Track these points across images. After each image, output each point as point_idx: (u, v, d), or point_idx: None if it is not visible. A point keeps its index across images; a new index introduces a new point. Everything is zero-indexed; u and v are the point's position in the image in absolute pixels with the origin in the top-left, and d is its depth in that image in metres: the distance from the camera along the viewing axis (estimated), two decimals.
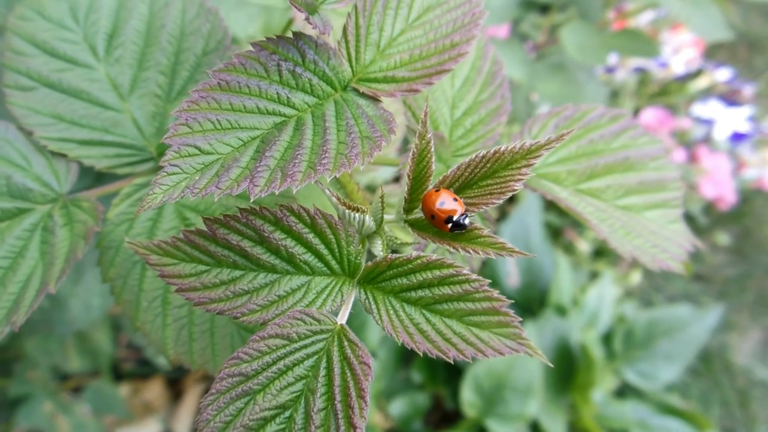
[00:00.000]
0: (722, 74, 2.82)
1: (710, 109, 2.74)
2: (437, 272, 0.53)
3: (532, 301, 2.33)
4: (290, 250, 0.53)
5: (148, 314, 0.65)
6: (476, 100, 0.78)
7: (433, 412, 2.27)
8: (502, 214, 2.55)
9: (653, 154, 0.81)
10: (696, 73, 2.84)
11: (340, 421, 0.48)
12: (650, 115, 2.59)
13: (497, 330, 0.54)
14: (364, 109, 0.57)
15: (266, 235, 0.53)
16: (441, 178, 0.56)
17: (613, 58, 2.68)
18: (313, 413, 0.49)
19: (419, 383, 2.15)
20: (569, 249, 2.66)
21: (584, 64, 2.13)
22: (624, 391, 2.29)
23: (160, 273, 0.53)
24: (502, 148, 0.53)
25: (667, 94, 2.87)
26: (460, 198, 0.55)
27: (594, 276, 2.56)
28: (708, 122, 2.76)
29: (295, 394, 0.50)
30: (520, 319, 0.54)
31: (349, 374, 0.50)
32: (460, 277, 0.53)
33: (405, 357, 2.15)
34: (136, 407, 2.27)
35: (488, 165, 0.54)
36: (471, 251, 0.54)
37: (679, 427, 2.11)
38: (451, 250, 0.55)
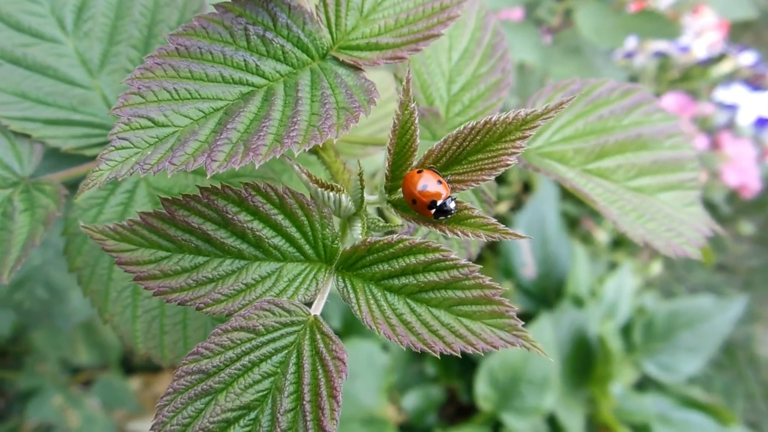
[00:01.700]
0: (746, 58, 2.72)
1: (734, 94, 2.66)
2: (422, 257, 0.48)
3: (548, 293, 2.28)
4: (258, 233, 0.48)
5: (118, 305, 0.61)
6: (475, 73, 0.72)
7: (448, 406, 2.23)
8: (518, 203, 2.49)
9: (668, 132, 0.74)
10: (719, 57, 2.75)
11: (308, 423, 0.43)
12: (671, 100, 2.51)
13: (490, 321, 0.49)
14: (344, 79, 0.52)
15: (230, 217, 0.47)
16: (426, 152, 0.50)
17: (631, 42, 2.61)
18: (279, 415, 0.44)
19: (433, 376, 2.10)
20: (587, 239, 2.59)
21: (601, 48, 2.05)
22: (644, 384, 2.23)
23: (117, 260, 0.48)
24: (493, 118, 0.48)
25: (689, 79, 2.78)
26: (448, 175, 0.50)
27: (613, 267, 2.49)
28: (731, 108, 2.68)
29: (261, 394, 0.45)
30: (516, 308, 0.49)
31: (320, 371, 0.45)
32: (447, 263, 0.48)
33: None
34: (147, 401, 2.24)
35: (478, 137, 0.48)
36: (459, 233, 0.48)
37: (701, 421, 2.04)
38: (439, 233, 0.50)
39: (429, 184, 0.48)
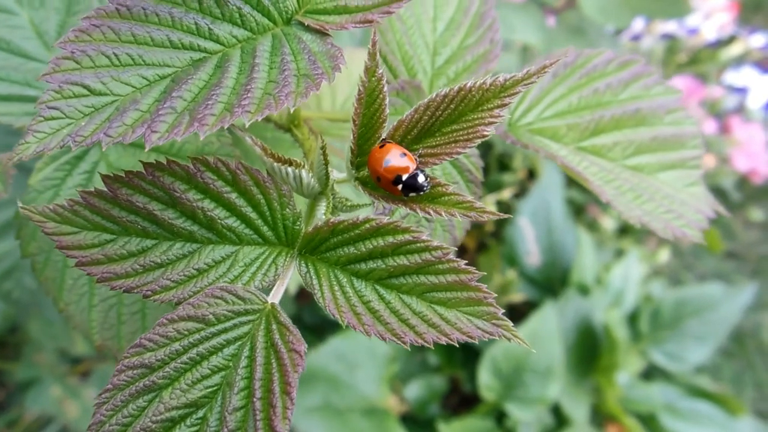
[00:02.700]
0: (757, 40, 2.65)
1: (744, 76, 2.60)
2: (390, 239, 0.43)
3: (553, 281, 2.24)
4: (209, 213, 0.44)
5: (73, 294, 0.57)
6: (461, 45, 0.67)
7: (451, 396, 2.19)
8: (522, 190, 2.44)
9: (669, 106, 0.69)
10: (729, 40, 2.69)
11: (258, 423, 0.38)
12: (679, 84, 2.44)
13: (466, 309, 0.44)
14: (308, 45, 0.47)
15: (178, 195, 0.43)
16: (395, 124, 0.45)
17: (638, 24, 2.55)
18: (227, 413, 0.39)
19: (435, 366, 2.07)
20: (593, 226, 2.54)
21: (606, 30, 2.00)
22: (651, 374, 2.20)
23: (58, 244, 0.44)
24: (468, 84, 0.43)
25: (698, 62, 2.71)
26: (420, 148, 0.45)
27: (619, 254, 2.44)
28: (741, 91, 2.62)
29: (210, 390, 0.41)
30: (494, 294, 0.44)
31: (274, 365, 0.40)
32: (418, 245, 0.43)
33: None
34: None
35: (452, 106, 0.44)
36: (432, 212, 0.44)
37: (709, 411, 2.01)
38: (413, 213, 0.46)
39: (392, 158, 0.44)
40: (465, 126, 0.44)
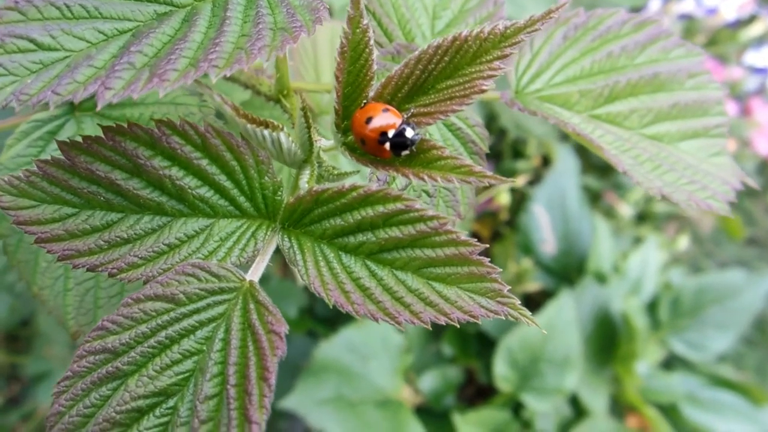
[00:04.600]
0: None
1: (765, 57, 2.52)
2: (380, 208, 0.39)
3: (569, 269, 2.19)
4: (178, 182, 0.39)
5: (47, 277, 0.52)
6: (463, 8, 0.62)
7: (467, 387, 2.15)
8: (536, 177, 2.39)
9: (691, 70, 0.64)
10: (749, 20, 2.62)
11: (231, 412, 0.34)
12: None
13: (467, 285, 0.40)
14: None
15: (142, 162, 0.39)
16: (383, 81, 0.41)
17: (655, 4, 2.48)
18: (198, 402, 0.35)
19: (450, 356, 2.03)
20: (610, 213, 2.49)
21: (621, 6, 1.94)
22: (671, 363, 2.15)
23: (15, 218, 0.40)
24: (464, 34, 0.38)
25: (717, 42, 2.64)
26: (411, 107, 0.41)
27: (637, 241, 2.38)
28: (762, 72, 2.55)
29: (181, 377, 0.37)
30: (499, 269, 0.39)
31: (251, 348, 0.36)
32: (412, 214, 0.39)
33: (435, 328, 2.02)
34: None
35: (446, 59, 0.39)
36: (426, 178, 0.39)
37: (733, 401, 1.95)
38: (406, 180, 0.41)
39: (375, 116, 0.39)
40: (461, 81, 0.39)
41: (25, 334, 2.10)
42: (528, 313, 0.40)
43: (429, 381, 1.93)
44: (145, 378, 0.36)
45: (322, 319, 1.95)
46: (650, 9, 2.49)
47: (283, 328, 0.36)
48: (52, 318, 1.68)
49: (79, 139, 0.43)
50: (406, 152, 0.40)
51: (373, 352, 1.80)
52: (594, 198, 2.53)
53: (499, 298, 0.40)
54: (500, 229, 2.33)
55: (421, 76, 0.40)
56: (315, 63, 0.83)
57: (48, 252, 0.40)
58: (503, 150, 2.22)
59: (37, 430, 1.98)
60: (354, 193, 0.39)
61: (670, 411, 1.92)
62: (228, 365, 0.36)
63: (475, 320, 0.40)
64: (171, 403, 0.37)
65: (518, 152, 2.35)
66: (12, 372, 2.10)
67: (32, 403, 2.00)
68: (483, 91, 0.38)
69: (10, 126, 0.56)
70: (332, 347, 1.73)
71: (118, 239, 0.40)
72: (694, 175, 0.60)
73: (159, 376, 0.37)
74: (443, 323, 0.39)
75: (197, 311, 0.38)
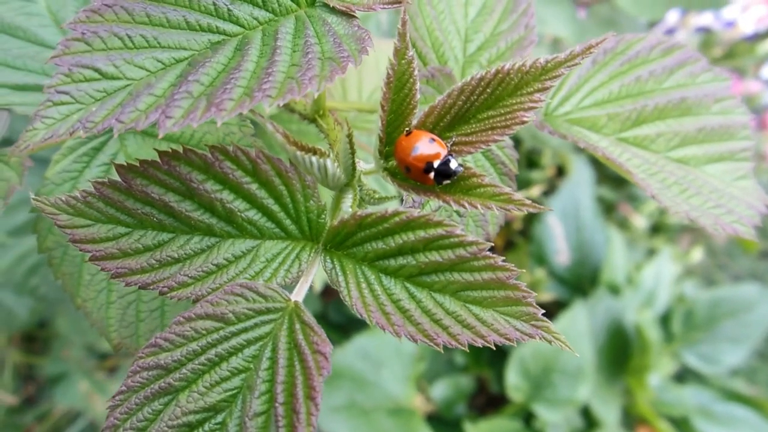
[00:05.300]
0: None
1: None
2: (422, 233, 0.40)
3: (583, 280, 2.20)
4: (228, 205, 0.41)
5: (91, 290, 0.54)
6: (495, 31, 0.64)
7: (479, 396, 2.16)
8: (551, 187, 2.40)
9: (717, 95, 0.65)
10: (767, 33, 2.61)
11: (280, 429, 0.36)
12: None
13: (504, 309, 0.41)
14: (333, 27, 0.44)
15: (195, 186, 0.40)
16: (426, 109, 0.42)
17: (673, 17, 2.48)
18: (247, 419, 0.37)
19: (462, 365, 2.03)
20: (624, 225, 2.49)
21: (639, 22, 1.95)
22: (684, 376, 2.14)
23: (71, 237, 0.42)
24: (506, 67, 0.40)
25: (734, 56, 2.64)
26: (453, 136, 0.42)
27: (651, 253, 2.39)
28: None
29: (229, 393, 0.38)
30: (534, 294, 0.41)
31: (298, 367, 0.38)
32: (452, 240, 0.40)
33: None
34: None
35: (489, 90, 0.41)
36: (467, 205, 0.41)
37: (745, 415, 1.95)
38: (445, 205, 0.42)
39: (421, 145, 0.41)
40: (502, 112, 0.41)
41: (43, 336, 2.12)
42: (563, 337, 0.41)
43: (441, 389, 1.94)
44: (196, 394, 0.38)
45: (335, 325, 1.97)
46: (667, 22, 2.49)
47: (328, 349, 0.38)
48: (70, 321, 1.70)
49: (130, 161, 0.45)
50: (447, 181, 0.42)
51: (386, 360, 1.81)
52: (608, 209, 2.54)
53: (533, 322, 0.41)
54: (513, 238, 2.34)
55: (463, 106, 0.42)
56: (342, 79, 0.84)
57: (102, 270, 0.41)
58: (518, 160, 2.24)
59: (52, 430, 2.01)
60: (397, 218, 0.40)
61: (682, 424, 1.92)
62: (276, 383, 0.37)
63: (511, 343, 0.41)
64: (219, 418, 0.38)
65: (533, 162, 2.36)
66: (29, 372, 2.13)
67: (48, 404, 2.02)
68: (524, 122, 0.40)
69: (56, 143, 0.57)
70: (345, 354, 1.75)
71: (169, 258, 0.41)
72: (720, 198, 0.62)
73: (209, 393, 0.38)
74: (480, 345, 0.41)
75: (245, 330, 0.39)
